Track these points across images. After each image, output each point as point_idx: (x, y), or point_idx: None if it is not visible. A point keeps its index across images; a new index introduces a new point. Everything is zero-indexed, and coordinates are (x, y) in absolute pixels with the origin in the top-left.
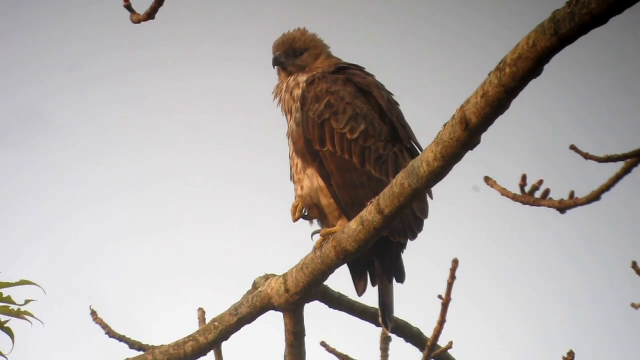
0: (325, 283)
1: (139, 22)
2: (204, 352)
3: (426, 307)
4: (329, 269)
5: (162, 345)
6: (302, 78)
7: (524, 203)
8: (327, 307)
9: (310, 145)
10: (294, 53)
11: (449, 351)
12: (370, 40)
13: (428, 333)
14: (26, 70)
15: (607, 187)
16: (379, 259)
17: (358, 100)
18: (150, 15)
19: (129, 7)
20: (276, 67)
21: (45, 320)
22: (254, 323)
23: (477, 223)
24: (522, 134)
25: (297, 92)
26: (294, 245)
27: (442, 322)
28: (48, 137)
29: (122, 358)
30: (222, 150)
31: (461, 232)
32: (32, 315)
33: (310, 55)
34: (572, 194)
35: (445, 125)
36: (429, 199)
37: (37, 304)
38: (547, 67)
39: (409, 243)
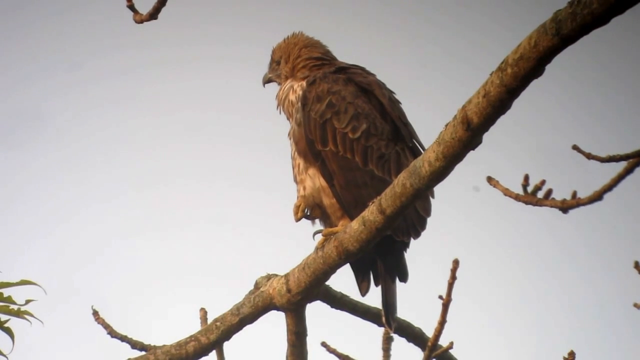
0: (328, 283)
1: (141, 22)
2: (205, 352)
3: (428, 307)
4: (330, 269)
5: (164, 345)
6: (291, 83)
7: (527, 203)
8: (328, 307)
9: (312, 145)
10: (276, 65)
11: (450, 351)
12: (371, 40)
13: (430, 333)
14: (26, 70)
15: (609, 187)
16: (381, 258)
17: (359, 100)
18: (153, 15)
19: (131, 7)
20: (265, 85)
21: (46, 320)
22: (255, 323)
23: (478, 223)
24: (524, 134)
25: (292, 96)
26: (295, 245)
27: (442, 322)
28: (48, 137)
29: (124, 358)
30: (223, 150)
31: (462, 232)
32: (32, 315)
33: (283, 60)
34: (574, 194)
35: (446, 125)
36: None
37: (38, 303)
38: (548, 67)
39: (411, 243)
